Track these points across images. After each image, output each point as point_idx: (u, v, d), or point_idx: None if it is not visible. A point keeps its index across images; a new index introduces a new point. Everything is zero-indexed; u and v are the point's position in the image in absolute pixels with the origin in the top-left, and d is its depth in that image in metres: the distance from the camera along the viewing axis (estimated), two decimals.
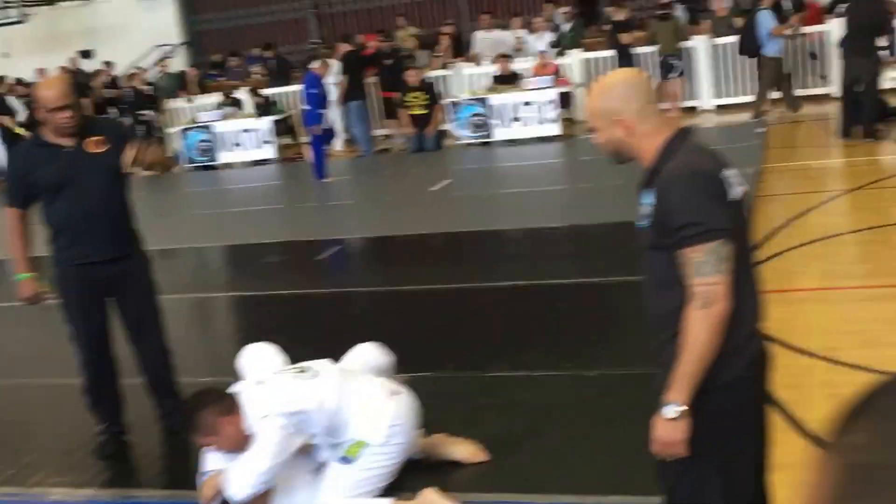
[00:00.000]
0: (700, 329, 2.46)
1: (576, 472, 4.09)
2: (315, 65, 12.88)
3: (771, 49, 13.15)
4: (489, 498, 3.99)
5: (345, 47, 15.85)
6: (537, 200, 10.14)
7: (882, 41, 11.03)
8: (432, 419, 4.48)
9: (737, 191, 2.58)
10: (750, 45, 13.45)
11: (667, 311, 2.61)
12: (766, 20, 13.14)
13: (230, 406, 3.68)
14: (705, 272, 2.45)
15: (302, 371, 3.80)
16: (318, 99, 12.63)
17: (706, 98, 15.31)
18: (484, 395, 4.97)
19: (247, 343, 4.54)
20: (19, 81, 18.33)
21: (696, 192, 2.51)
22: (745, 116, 13.69)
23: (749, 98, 14.39)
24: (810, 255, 6.89)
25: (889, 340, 5.22)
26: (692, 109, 15.27)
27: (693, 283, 2.48)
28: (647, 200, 2.62)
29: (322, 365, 3.88)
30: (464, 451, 4.08)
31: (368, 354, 4.20)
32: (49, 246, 4.64)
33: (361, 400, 3.71)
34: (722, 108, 15.08)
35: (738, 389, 2.64)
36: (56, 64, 18.72)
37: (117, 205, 4.60)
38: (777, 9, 13.50)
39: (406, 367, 5.23)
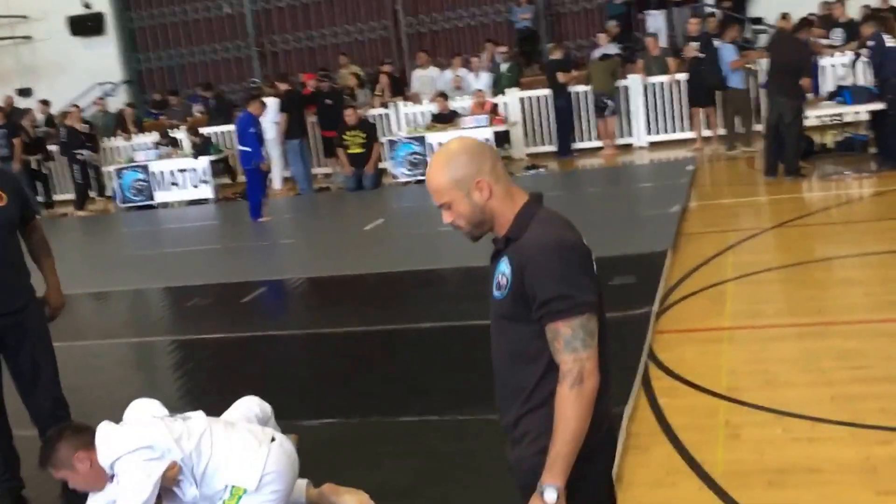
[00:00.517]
0: (574, 408, 2.38)
1: None
2: (252, 105, 12.86)
3: (734, 81, 13.43)
4: None
5: (284, 86, 15.91)
6: (460, 238, 10.12)
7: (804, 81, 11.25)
8: (332, 465, 4.51)
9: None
10: (713, 79, 13.68)
11: (522, 385, 2.55)
12: (728, 53, 13.40)
13: (87, 442, 3.63)
14: (576, 347, 2.39)
15: (172, 418, 3.78)
16: (254, 138, 12.59)
17: (640, 135, 15.52)
18: (386, 442, 4.95)
19: (148, 390, 4.50)
20: None
21: (565, 265, 2.43)
22: (677, 153, 13.94)
23: (681, 135, 14.70)
24: (724, 294, 6.99)
25: (790, 380, 5.31)
26: (627, 147, 15.50)
27: (563, 359, 2.40)
28: (503, 269, 2.53)
29: (196, 413, 3.86)
30: (352, 500, 4.07)
31: (246, 405, 4.19)
32: None
33: (233, 447, 3.69)
34: (655, 146, 15.32)
35: (595, 461, 2.57)
36: None
37: (13, 257, 4.55)
38: (738, 42, 13.79)
39: (312, 412, 5.29)
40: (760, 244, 8.49)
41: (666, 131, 15.41)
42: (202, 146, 16.16)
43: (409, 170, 14.70)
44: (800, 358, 5.63)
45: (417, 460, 4.72)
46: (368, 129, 14.93)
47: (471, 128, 14.24)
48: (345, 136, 14.73)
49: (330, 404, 5.57)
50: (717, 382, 5.32)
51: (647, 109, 15.39)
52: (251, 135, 12.55)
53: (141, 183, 16.07)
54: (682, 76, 14.84)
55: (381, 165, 15.18)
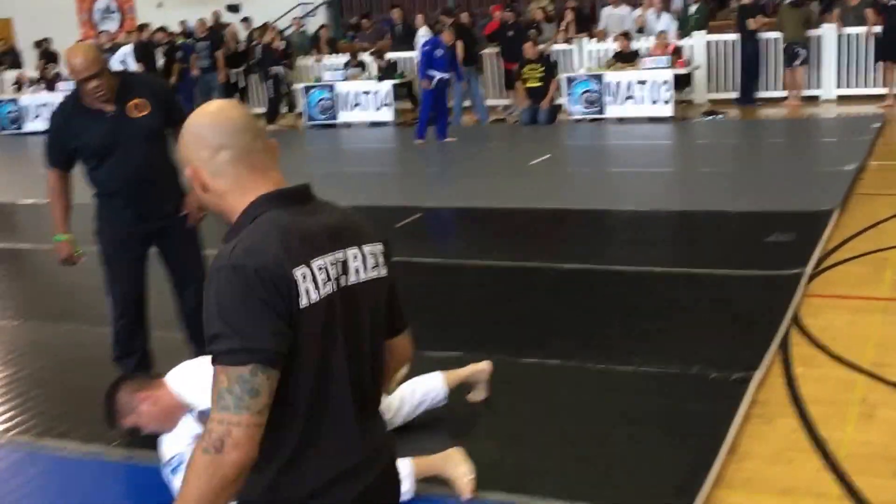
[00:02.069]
0: (201, 480, 1.81)
1: (563, 474, 3.97)
2: (444, 33, 13.36)
3: None
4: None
5: (464, 17, 16.06)
6: (636, 181, 10.02)
7: None
8: (453, 401, 4.51)
9: (323, 290, 1.93)
10: None
11: None
12: None
13: (145, 383, 3.73)
14: (227, 405, 1.81)
15: None
16: (427, 58, 12.93)
17: (829, 88, 14.77)
18: (503, 382, 4.82)
19: None
20: (161, 29, 18.95)
21: (234, 295, 1.86)
22: (866, 109, 13.19)
23: (873, 90, 13.90)
24: (887, 262, 6.60)
25: None
26: (814, 99, 14.77)
27: (212, 415, 1.84)
28: None
29: None
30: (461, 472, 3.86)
31: None
32: (94, 204, 4.71)
33: None
34: (843, 99, 14.55)
35: None
36: (204, 15, 19.23)
37: (160, 166, 4.63)
38: None
39: (438, 342, 5.27)
40: None
41: (857, 85, 14.62)
42: (387, 70, 16.39)
43: (585, 107, 14.48)
44: None
45: (531, 405, 4.68)
46: (548, 63, 14.78)
47: (650, 68, 13.89)
48: (524, 70, 14.65)
49: (456, 336, 5.57)
50: (861, 355, 5.03)
51: (839, 61, 14.60)
52: (426, 53, 13.00)
53: (326, 102, 16.50)
54: (879, 28, 13.98)
55: (557, 101, 15.00)
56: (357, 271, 2.03)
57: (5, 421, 4.91)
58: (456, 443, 4.04)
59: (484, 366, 4.61)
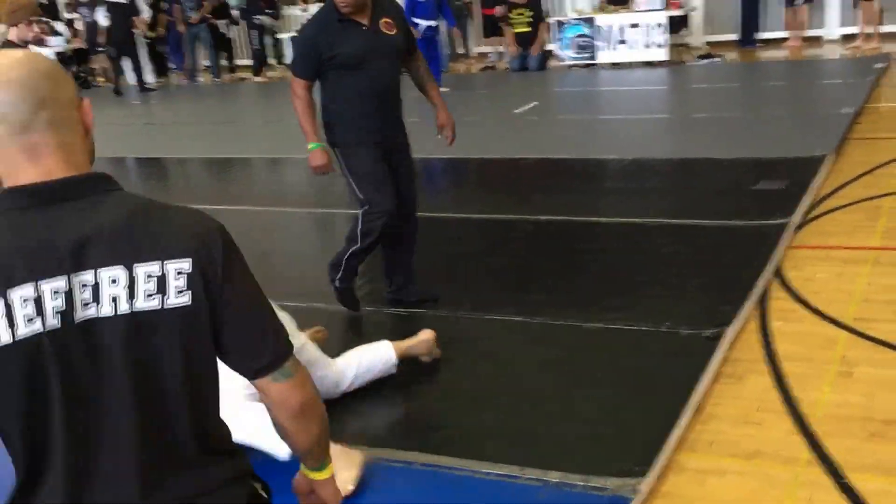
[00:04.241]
0: None
1: (521, 438, 3.75)
2: None
3: None
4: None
5: None
6: (626, 129, 9.67)
7: None
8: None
9: (24, 328, 1.51)
10: None
11: None
12: None
13: None
14: None
15: None
16: (410, 6, 12.62)
17: (832, 27, 14.28)
18: (475, 339, 4.71)
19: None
20: None
21: None
22: (870, 46, 12.77)
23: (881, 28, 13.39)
24: (881, 210, 6.24)
25: None
26: (817, 39, 14.30)
27: None
28: None
29: None
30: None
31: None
32: (331, 118, 4.69)
33: None
34: (848, 38, 14.04)
35: None
36: None
37: (398, 86, 4.74)
38: None
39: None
40: None
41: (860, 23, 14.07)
42: None
43: (577, 53, 14.04)
44: None
45: (492, 364, 4.44)
46: (536, 7, 14.29)
47: (644, 10, 13.46)
48: (511, 14, 14.18)
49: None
50: (844, 310, 4.69)
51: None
52: (410, 3, 12.60)
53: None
54: None
55: (548, 47, 14.56)
56: (114, 300, 1.56)
57: None
58: (409, 406, 4.00)
59: (427, 335, 4.41)
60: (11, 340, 1.49)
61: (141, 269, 1.57)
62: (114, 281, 1.55)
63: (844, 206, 6.33)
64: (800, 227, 5.95)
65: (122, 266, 1.56)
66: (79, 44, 18.63)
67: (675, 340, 4.47)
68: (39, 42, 6.12)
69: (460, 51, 16.17)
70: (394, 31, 4.62)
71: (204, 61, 17.93)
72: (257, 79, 16.76)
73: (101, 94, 17.11)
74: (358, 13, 4.51)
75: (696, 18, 14.72)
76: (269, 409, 1.77)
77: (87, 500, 1.59)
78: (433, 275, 5.57)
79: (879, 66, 11.31)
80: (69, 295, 1.53)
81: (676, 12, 13.68)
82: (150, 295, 1.57)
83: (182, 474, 1.66)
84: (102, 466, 1.59)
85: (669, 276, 5.37)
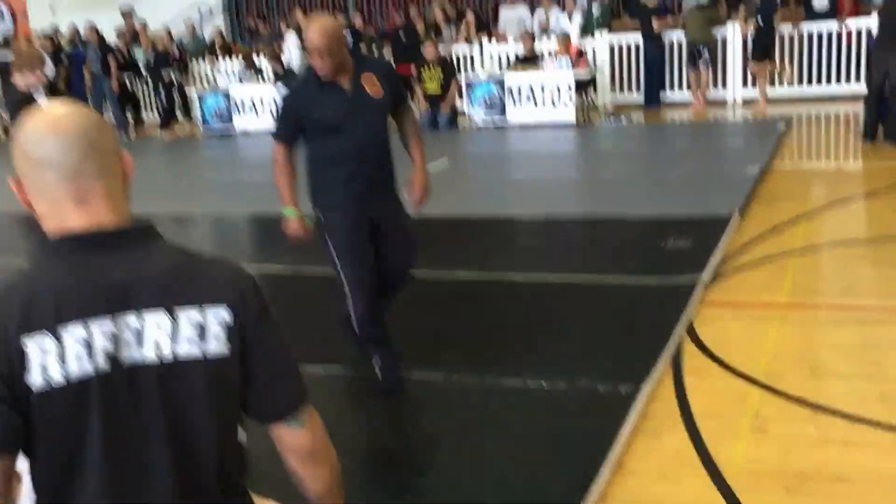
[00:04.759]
0: None
1: (435, 497, 3.70)
2: None
3: None
4: None
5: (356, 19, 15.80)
6: (535, 188, 9.73)
7: None
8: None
9: (75, 366, 1.58)
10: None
11: None
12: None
13: None
14: None
15: None
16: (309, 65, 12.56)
17: (734, 90, 14.70)
18: (385, 398, 4.66)
19: None
20: (48, 37, 18.22)
21: None
22: (772, 110, 13.16)
23: (782, 91, 13.84)
24: (787, 268, 6.37)
25: (838, 371, 4.73)
26: (721, 102, 14.73)
27: None
28: None
29: None
30: None
31: None
32: (313, 182, 4.60)
33: None
34: (749, 103, 14.44)
35: None
36: (97, 20, 18.58)
37: (384, 144, 4.58)
38: None
39: (322, 356, 5.01)
40: (841, 214, 7.77)
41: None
42: (285, 75, 15.88)
43: (486, 111, 14.18)
44: (855, 347, 5.00)
45: (408, 422, 4.43)
46: (447, 66, 14.43)
47: (552, 71, 13.65)
48: (422, 71, 14.28)
49: (338, 349, 5.15)
50: (755, 366, 4.76)
51: (745, 62, 14.48)
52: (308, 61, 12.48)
53: (222, 109, 15.96)
54: (787, 27, 14.00)
55: (458, 106, 14.67)
56: (156, 344, 1.64)
57: None
58: None
59: None
60: (64, 382, 1.56)
61: (183, 316, 1.65)
62: (157, 326, 1.63)
63: (752, 263, 6.45)
64: (709, 284, 6.02)
65: (165, 312, 1.64)
66: None
67: (592, 397, 4.47)
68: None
69: None
70: (377, 90, 4.49)
71: (108, 113, 17.60)
72: (165, 134, 16.54)
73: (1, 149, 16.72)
74: (338, 75, 4.43)
75: (603, 79, 15.00)
76: (282, 454, 1.83)
77: None
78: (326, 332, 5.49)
79: (781, 127, 11.64)
80: (115, 337, 1.60)
81: (583, 73, 13.91)
82: (190, 340, 1.65)
83: None
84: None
85: (583, 333, 5.40)
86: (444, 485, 3.79)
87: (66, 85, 17.30)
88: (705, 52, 14.17)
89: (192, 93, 16.94)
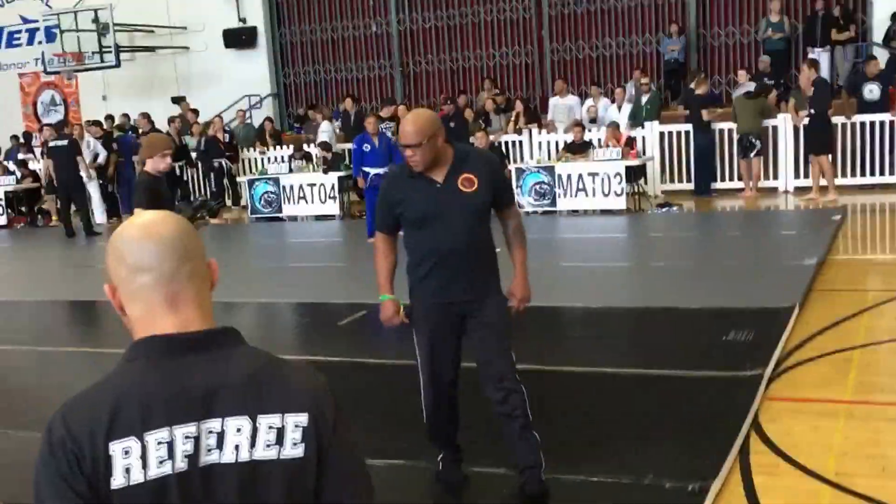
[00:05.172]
0: None
1: None
2: (367, 122, 13.11)
3: None
4: None
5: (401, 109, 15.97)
6: (587, 276, 9.68)
7: None
8: None
9: (156, 469, 1.62)
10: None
11: None
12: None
13: None
14: None
15: None
16: (357, 155, 12.80)
17: (786, 179, 14.63)
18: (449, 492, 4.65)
19: None
20: (96, 123, 18.59)
21: (42, 457, 1.64)
22: (827, 198, 13.08)
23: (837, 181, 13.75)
24: (850, 363, 6.23)
25: None
26: (772, 190, 14.65)
27: None
28: None
29: None
30: None
31: None
32: (408, 271, 4.55)
33: None
34: (802, 191, 14.35)
35: None
36: (149, 108, 19.08)
37: (479, 243, 4.43)
38: None
39: (384, 452, 4.94)
40: None
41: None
42: (333, 162, 16.09)
43: (536, 199, 14.22)
44: None
45: None
46: (497, 154, 14.55)
47: (602, 160, 13.70)
48: None
49: (402, 440, 5.16)
50: (824, 465, 4.62)
51: (796, 152, 14.44)
52: (355, 151, 12.82)
53: (271, 195, 16.14)
54: (839, 119, 13.96)
55: None
56: (236, 448, 1.66)
57: None
58: None
59: None
60: (143, 480, 1.60)
61: (263, 421, 1.67)
62: (238, 430, 1.65)
63: (814, 358, 6.33)
64: (771, 379, 5.91)
65: (246, 416, 1.66)
66: (31, 184, 18.62)
67: (658, 494, 4.37)
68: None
69: None
70: (472, 188, 4.33)
71: None
72: (214, 221, 16.71)
73: (52, 233, 16.98)
74: (432, 169, 4.34)
75: (653, 168, 15.02)
76: None
77: None
78: (405, 424, 5.43)
79: (836, 217, 11.53)
80: (197, 440, 1.63)
81: (633, 162, 13.95)
82: (268, 445, 1.67)
83: None
84: None
85: (645, 427, 5.30)
86: None
87: (115, 170, 17.66)
88: (757, 143, 14.16)
89: (242, 179, 17.19)
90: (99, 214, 17.23)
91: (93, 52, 20.08)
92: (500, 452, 4.64)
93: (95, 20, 19.87)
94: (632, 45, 18.72)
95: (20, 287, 12.00)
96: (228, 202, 17.57)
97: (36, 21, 21.73)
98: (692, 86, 15.11)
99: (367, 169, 12.61)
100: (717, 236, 11.78)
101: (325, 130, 17.10)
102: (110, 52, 20.03)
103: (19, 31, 22.78)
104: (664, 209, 13.74)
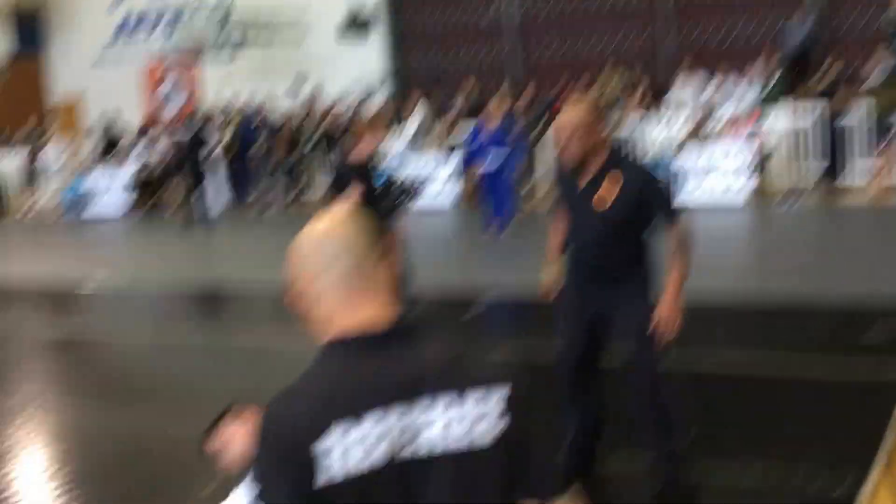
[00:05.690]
0: None
1: None
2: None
3: None
4: None
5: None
6: (709, 273, 9.42)
7: None
8: None
9: (364, 461, 1.66)
10: None
11: None
12: None
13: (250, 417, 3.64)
14: None
15: None
16: (470, 148, 12.87)
17: None
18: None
19: None
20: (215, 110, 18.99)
21: (257, 449, 1.72)
22: None
23: None
24: None
25: None
26: None
27: None
28: None
29: None
30: None
31: None
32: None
33: None
34: None
35: None
36: (268, 95, 19.45)
37: (612, 256, 4.31)
38: None
39: None
40: None
41: None
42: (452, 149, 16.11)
43: None
44: None
45: None
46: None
47: (726, 148, 13.36)
48: None
49: None
50: None
51: None
52: (466, 143, 13.13)
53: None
54: None
55: None
56: (443, 430, 1.71)
57: None
58: None
59: None
60: (356, 470, 1.64)
61: (465, 404, 1.71)
62: (441, 414, 1.70)
63: None
64: None
65: (447, 401, 1.71)
66: (153, 171, 19.09)
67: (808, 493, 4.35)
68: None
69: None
70: (605, 199, 4.18)
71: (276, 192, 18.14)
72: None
73: (175, 221, 17.41)
74: (581, 167, 4.23)
75: (778, 158, 14.55)
76: None
77: None
78: None
79: None
80: (402, 427, 1.67)
81: (757, 150, 13.52)
82: (472, 426, 1.71)
83: None
84: None
85: (788, 429, 5.20)
86: None
87: (236, 154, 17.98)
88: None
89: None
90: (220, 202, 17.55)
91: (214, 40, 20.51)
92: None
93: (217, 8, 20.27)
94: (755, 30, 18.20)
95: (144, 274, 12.33)
96: None
97: (158, 10, 22.26)
98: (820, 72, 14.58)
99: (478, 162, 12.56)
100: (846, 230, 11.38)
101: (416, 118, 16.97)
102: (229, 40, 20.41)
103: (142, 20, 23.32)
104: (789, 202, 13.32)
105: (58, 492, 5.10)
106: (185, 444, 5.58)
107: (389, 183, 6.76)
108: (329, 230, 1.80)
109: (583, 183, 4.24)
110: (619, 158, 4.33)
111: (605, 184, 4.18)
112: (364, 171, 6.62)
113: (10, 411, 6.67)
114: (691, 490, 4.38)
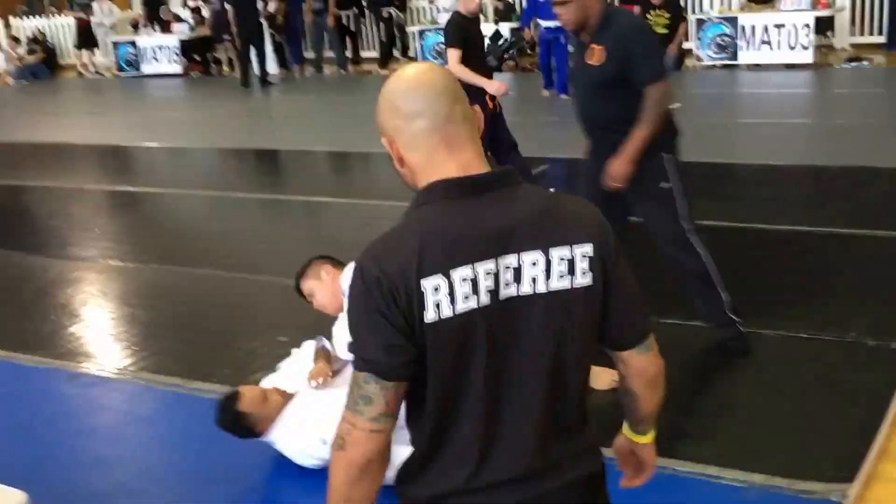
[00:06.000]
0: (333, 473, 1.80)
1: (721, 441, 3.69)
2: None
3: None
4: None
5: None
6: (769, 133, 9.37)
7: None
8: None
9: (462, 304, 1.69)
10: None
11: None
12: None
13: (336, 263, 4.01)
14: (348, 404, 1.77)
15: None
16: (530, 4, 12.62)
17: None
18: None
19: None
20: None
21: (356, 299, 1.75)
22: None
23: None
24: None
25: None
26: None
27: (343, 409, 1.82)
28: None
29: None
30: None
31: None
32: None
33: None
34: None
35: None
36: None
37: (606, 113, 4.18)
38: None
39: None
40: None
41: None
42: (505, 12, 15.85)
43: (716, 52, 13.71)
44: None
45: (687, 371, 4.19)
46: (675, 7, 13.93)
47: (790, 10, 13.04)
48: (648, 16, 13.84)
49: None
50: None
51: None
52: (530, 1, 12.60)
53: (440, 46, 16.06)
54: None
55: (685, 46, 14.23)
56: (533, 280, 1.74)
57: (148, 362, 4.91)
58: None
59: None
60: (452, 314, 1.68)
61: (555, 253, 1.74)
62: (533, 264, 1.72)
63: None
64: None
65: (540, 251, 1.73)
66: (204, 32, 18.99)
67: (861, 351, 4.34)
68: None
69: None
70: (598, 61, 4.07)
71: (328, 53, 17.95)
72: (383, 72, 16.80)
73: (226, 83, 17.40)
74: (580, 32, 4.16)
75: (843, 20, 14.21)
76: (624, 378, 1.96)
77: (489, 465, 1.78)
78: None
79: None
80: (496, 276, 1.70)
81: (823, 12, 13.24)
82: (561, 276, 1.74)
83: (564, 440, 1.84)
84: (505, 430, 1.78)
85: (842, 286, 5.19)
86: (725, 427, 3.82)
87: (285, 19, 17.82)
88: None
89: (413, 30, 17.12)
90: (271, 64, 17.48)
91: None
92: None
93: None
94: None
95: (198, 134, 12.44)
96: (397, 53, 17.56)
97: None
98: None
99: (540, 21, 12.33)
100: None
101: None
102: None
103: None
104: (853, 64, 13.04)
105: (127, 351, 5.13)
106: (254, 297, 5.79)
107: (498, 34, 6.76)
108: (418, 79, 1.78)
109: (575, 47, 4.39)
110: (610, 21, 4.12)
111: (594, 48, 4.09)
112: (477, 22, 6.94)
113: (76, 268, 6.77)
114: (748, 340, 4.43)
